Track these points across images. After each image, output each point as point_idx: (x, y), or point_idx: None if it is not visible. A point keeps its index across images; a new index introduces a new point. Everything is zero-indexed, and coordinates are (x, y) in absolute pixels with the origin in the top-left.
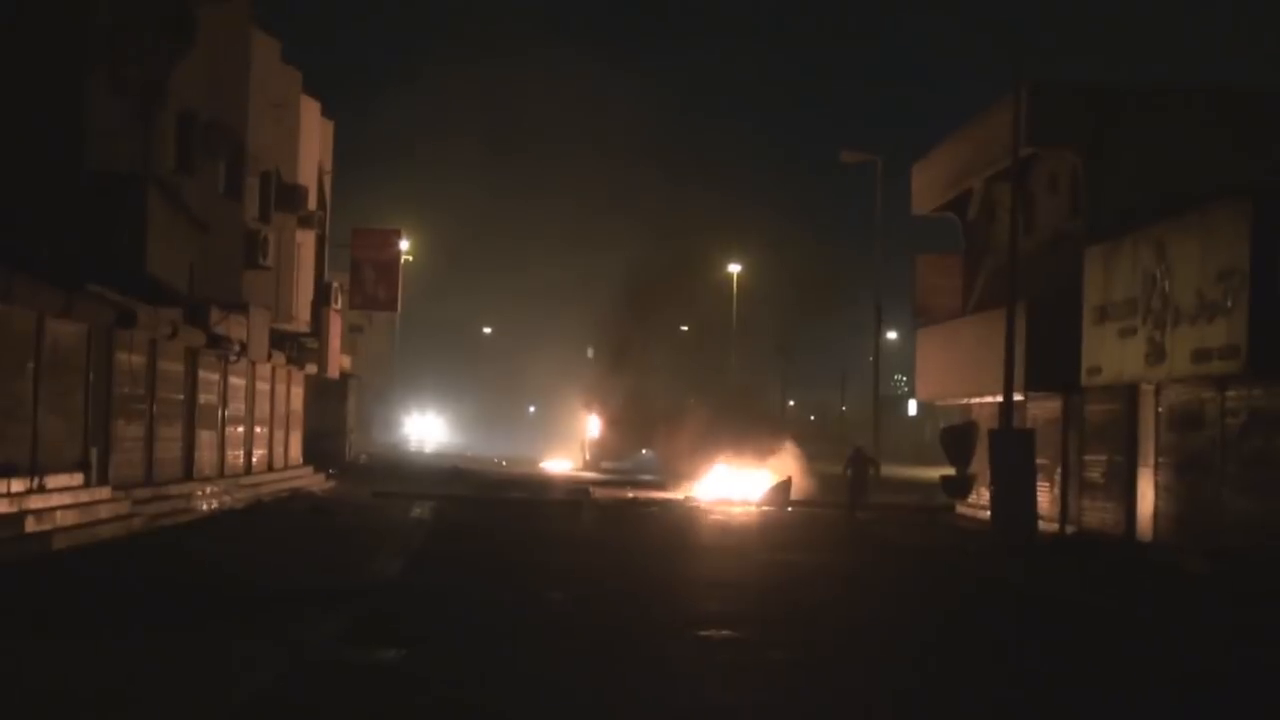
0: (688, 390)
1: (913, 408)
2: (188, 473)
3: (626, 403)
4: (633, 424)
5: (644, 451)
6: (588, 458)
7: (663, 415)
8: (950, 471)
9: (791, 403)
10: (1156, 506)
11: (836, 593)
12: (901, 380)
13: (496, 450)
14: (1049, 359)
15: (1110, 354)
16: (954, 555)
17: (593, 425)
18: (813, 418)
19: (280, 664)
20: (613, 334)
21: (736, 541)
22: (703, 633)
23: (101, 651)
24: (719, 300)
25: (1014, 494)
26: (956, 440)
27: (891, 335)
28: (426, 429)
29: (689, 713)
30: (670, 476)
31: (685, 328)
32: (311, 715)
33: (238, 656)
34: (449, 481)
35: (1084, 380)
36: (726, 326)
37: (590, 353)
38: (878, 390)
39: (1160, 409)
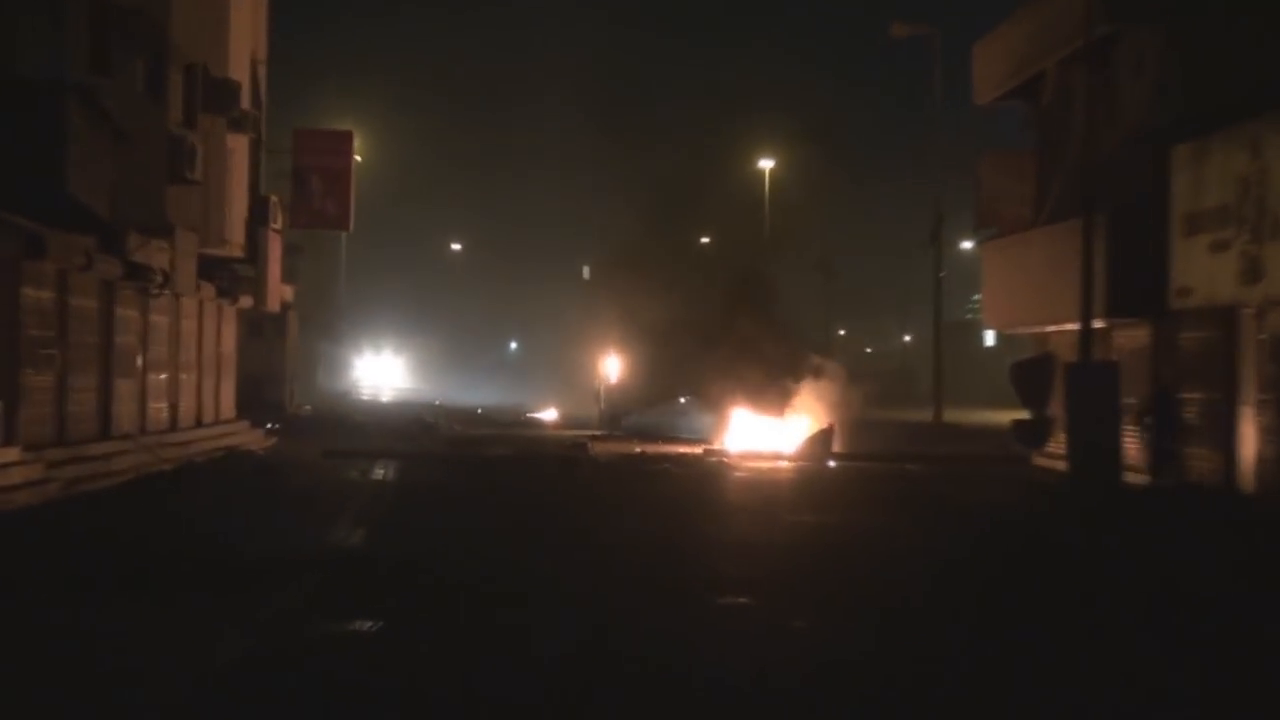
0: (710, 320)
1: (990, 337)
2: (104, 430)
3: (652, 336)
4: (660, 365)
5: (681, 400)
6: (603, 407)
7: (691, 353)
8: (1023, 415)
9: (842, 332)
10: (1260, 452)
11: (867, 558)
12: (977, 304)
13: (471, 397)
14: (1135, 278)
15: (1202, 271)
16: (1020, 514)
17: (610, 367)
18: (869, 349)
19: (242, 645)
20: (619, 251)
21: (760, 502)
22: (720, 600)
23: (35, 643)
24: (748, 208)
25: (1094, 440)
26: (1029, 377)
27: (967, 245)
28: (383, 373)
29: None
30: (705, 429)
31: (706, 240)
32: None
33: (193, 639)
34: (415, 437)
35: (1172, 302)
36: (757, 235)
37: (586, 273)
38: (938, 316)
39: (1262, 336)
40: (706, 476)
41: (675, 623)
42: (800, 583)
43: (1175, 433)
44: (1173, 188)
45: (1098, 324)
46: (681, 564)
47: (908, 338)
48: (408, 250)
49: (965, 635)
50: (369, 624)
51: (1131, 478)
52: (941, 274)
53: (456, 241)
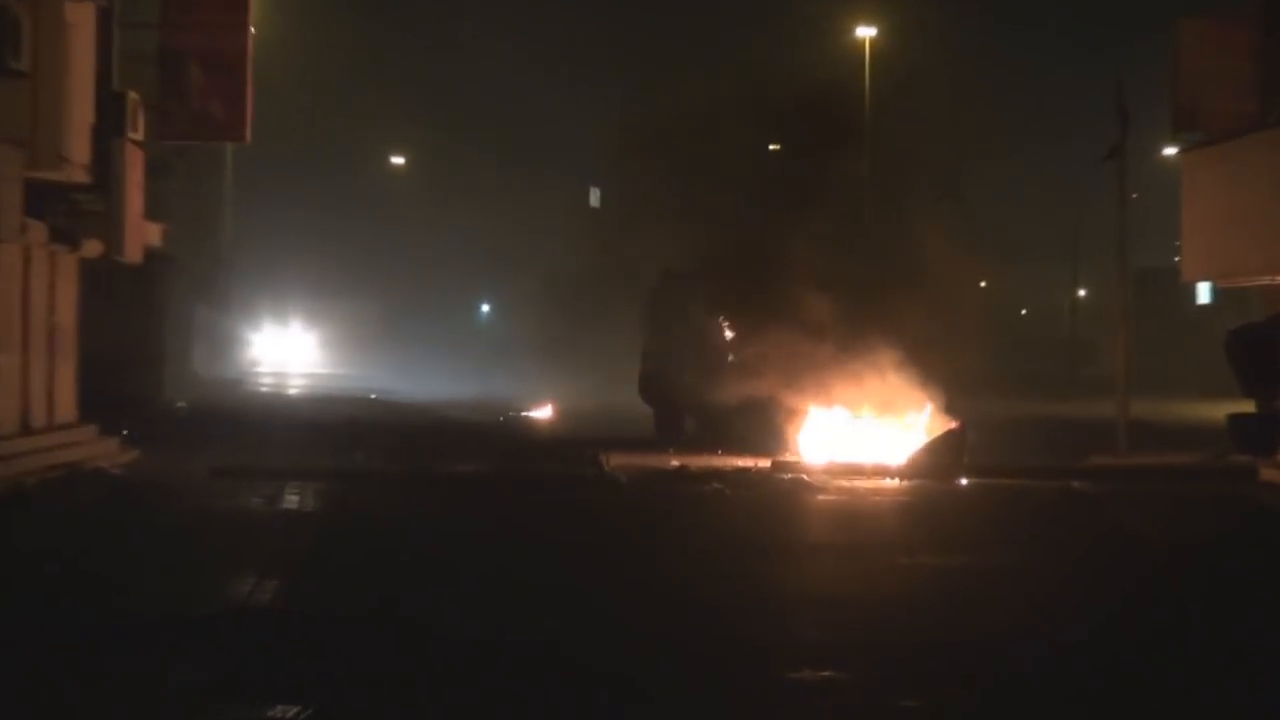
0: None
1: (1206, 292)
2: None
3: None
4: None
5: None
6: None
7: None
8: (1245, 407)
9: (984, 284)
10: None
11: (1007, 617)
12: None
13: (426, 386)
14: None
15: None
16: (1234, 554)
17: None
18: (1024, 311)
19: None
20: (645, 165)
21: (855, 538)
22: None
23: None
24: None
25: None
26: (1254, 352)
27: (1170, 152)
28: (293, 352)
29: None
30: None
31: (775, 147)
32: None
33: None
34: (346, 444)
35: None
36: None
37: (594, 198)
38: (1124, 260)
39: None
40: (777, 502)
41: (724, 706)
42: (911, 649)
43: None
44: None
45: None
46: (738, 624)
47: (1083, 292)
48: (330, 175)
49: None
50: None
51: None
52: (1133, 196)
53: (398, 156)
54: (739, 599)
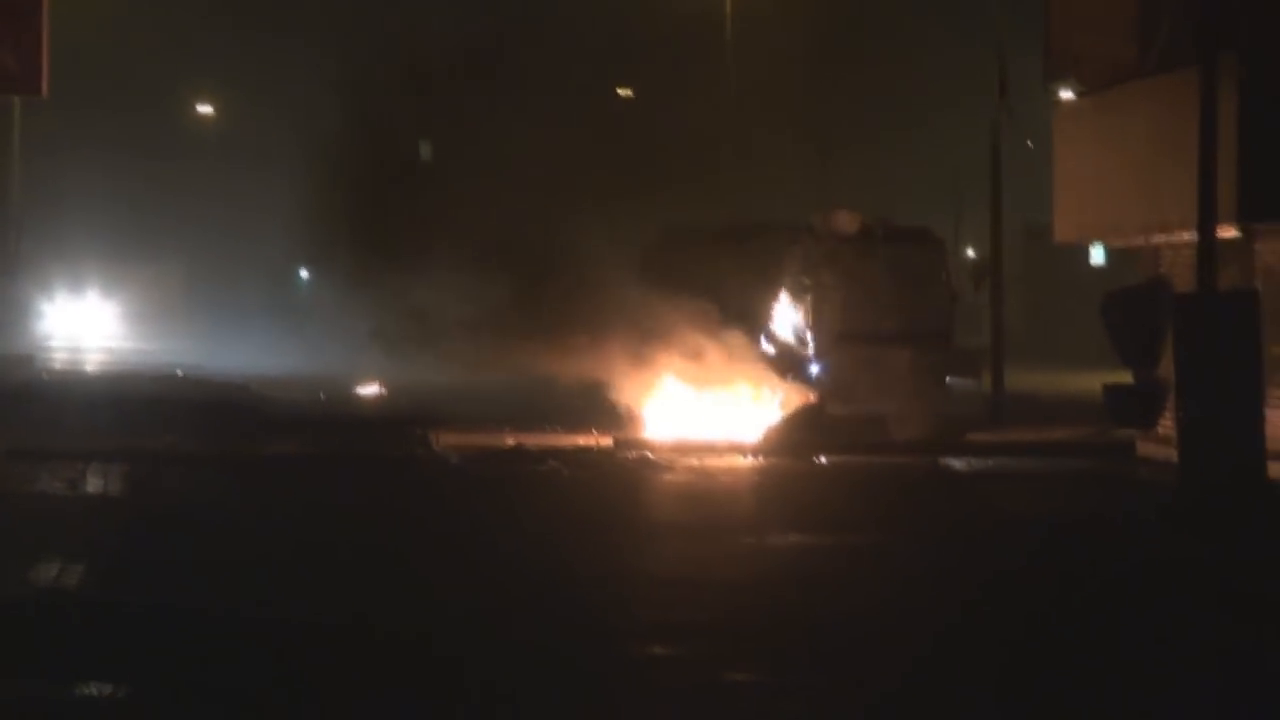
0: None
1: (1101, 254)
2: None
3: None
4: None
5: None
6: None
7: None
8: (1123, 377)
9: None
10: None
11: (864, 596)
12: None
13: (243, 364)
14: None
15: None
16: (1101, 532)
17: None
18: None
19: None
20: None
21: (706, 518)
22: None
23: None
24: (697, 49)
25: (1221, 413)
26: (1130, 316)
27: (1069, 96)
28: (91, 324)
29: None
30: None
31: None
32: None
33: None
34: (150, 425)
35: None
36: (713, 89)
37: (425, 152)
38: (997, 219)
39: None
40: (618, 481)
41: (560, 685)
42: (750, 629)
43: None
44: None
45: (1228, 233)
46: (577, 609)
47: (971, 253)
48: (134, 130)
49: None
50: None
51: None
52: (1028, 145)
53: (207, 104)
54: (568, 580)
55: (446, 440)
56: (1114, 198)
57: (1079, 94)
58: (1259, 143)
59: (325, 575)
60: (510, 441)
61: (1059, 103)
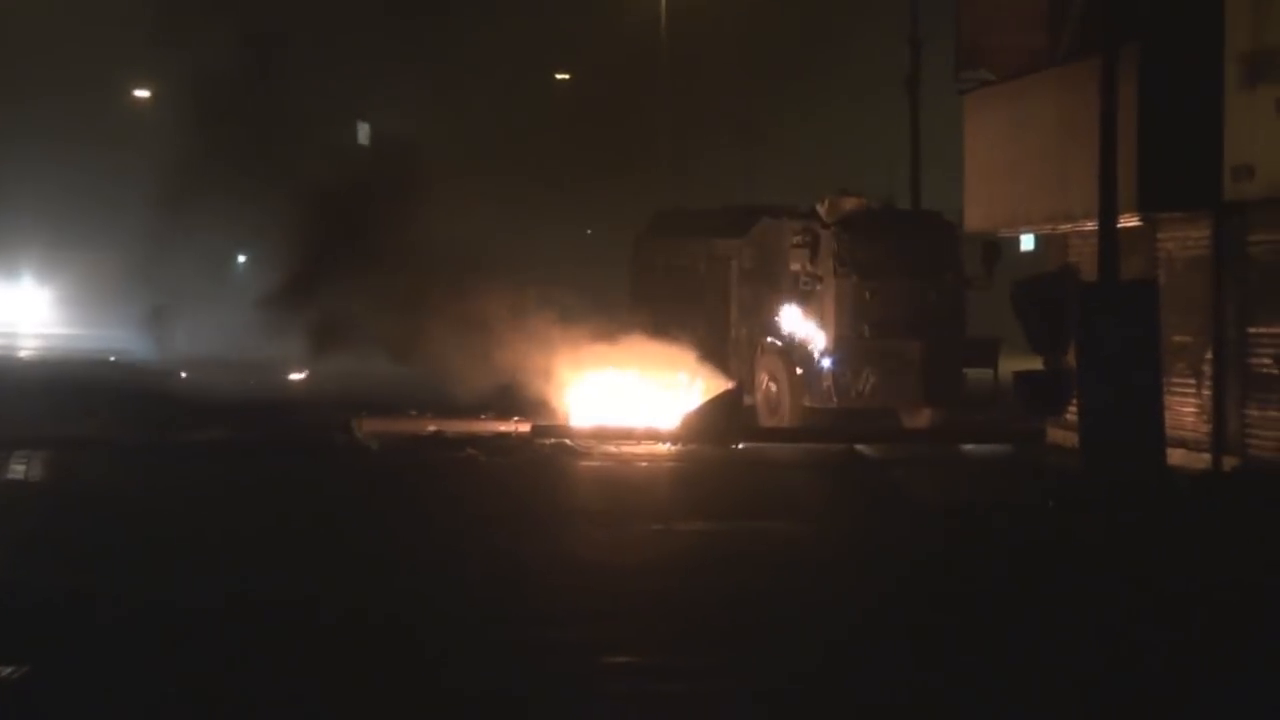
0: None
1: (1029, 241)
2: None
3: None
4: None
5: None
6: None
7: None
8: (1033, 365)
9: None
10: None
11: (763, 582)
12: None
13: (176, 351)
14: (1186, 147)
15: (1266, 140)
16: (1005, 517)
17: None
18: None
19: None
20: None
21: (622, 505)
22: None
23: None
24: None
25: (1121, 401)
26: (1042, 305)
27: (979, 84)
28: (21, 310)
29: None
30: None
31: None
32: None
33: None
34: (79, 412)
35: (1228, 188)
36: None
37: (363, 134)
38: (918, 199)
39: None
40: (535, 468)
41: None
42: (643, 613)
43: None
44: (1226, 14)
45: (1129, 222)
46: (467, 594)
47: None
48: (68, 116)
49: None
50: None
51: (1182, 458)
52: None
53: (144, 88)
54: (460, 566)
55: (368, 427)
56: (1023, 187)
57: (989, 82)
58: (1159, 133)
59: (217, 561)
60: (431, 428)
61: (969, 92)
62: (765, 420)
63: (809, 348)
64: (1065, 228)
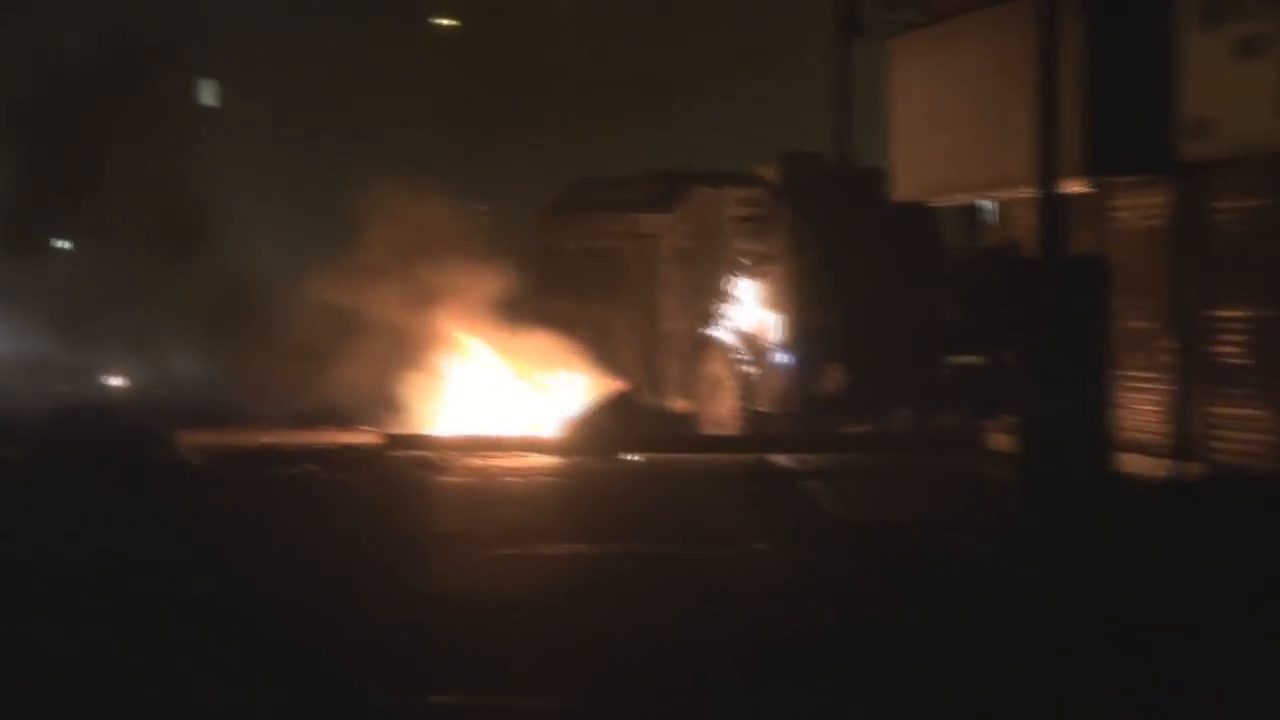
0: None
1: (987, 208)
2: None
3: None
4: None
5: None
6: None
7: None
8: (969, 357)
9: None
10: None
11: (618, 612)
12: None
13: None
14: (1140, 102)
15: (1229, 91)
16: (937, 538)
17: None
18: None
19: None
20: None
21: (485, 526)
22: None
23: None
24: None
25: (1064, 401)
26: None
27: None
28: None
29: None
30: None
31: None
32: None
33: None
34: None
35: (1186, 146)
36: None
37: (210, 94)
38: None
39: None
40: (382, 486)
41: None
42: (476, 647)
43: None
44: None
45: (1073, 188)
46: (281, 628)
47: None
48: None
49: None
50: None
51: (1139, 464)
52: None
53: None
54: (278, 598)
55: (191, 439)
56: (956, 149)
57: (917, 26)
58: (1109, 82)
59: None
60: (263, 440)
61: (894, 43)
62: (708, 427)
63: (759, 342)
64: (1006, 194)
